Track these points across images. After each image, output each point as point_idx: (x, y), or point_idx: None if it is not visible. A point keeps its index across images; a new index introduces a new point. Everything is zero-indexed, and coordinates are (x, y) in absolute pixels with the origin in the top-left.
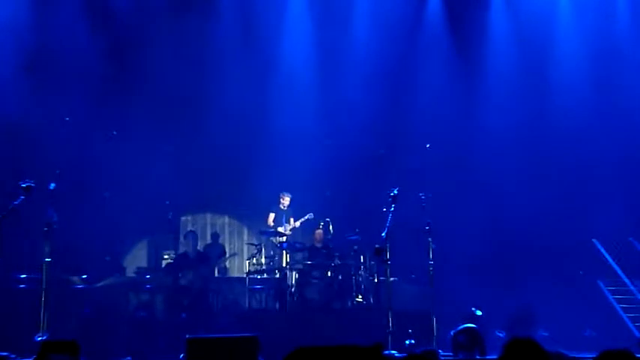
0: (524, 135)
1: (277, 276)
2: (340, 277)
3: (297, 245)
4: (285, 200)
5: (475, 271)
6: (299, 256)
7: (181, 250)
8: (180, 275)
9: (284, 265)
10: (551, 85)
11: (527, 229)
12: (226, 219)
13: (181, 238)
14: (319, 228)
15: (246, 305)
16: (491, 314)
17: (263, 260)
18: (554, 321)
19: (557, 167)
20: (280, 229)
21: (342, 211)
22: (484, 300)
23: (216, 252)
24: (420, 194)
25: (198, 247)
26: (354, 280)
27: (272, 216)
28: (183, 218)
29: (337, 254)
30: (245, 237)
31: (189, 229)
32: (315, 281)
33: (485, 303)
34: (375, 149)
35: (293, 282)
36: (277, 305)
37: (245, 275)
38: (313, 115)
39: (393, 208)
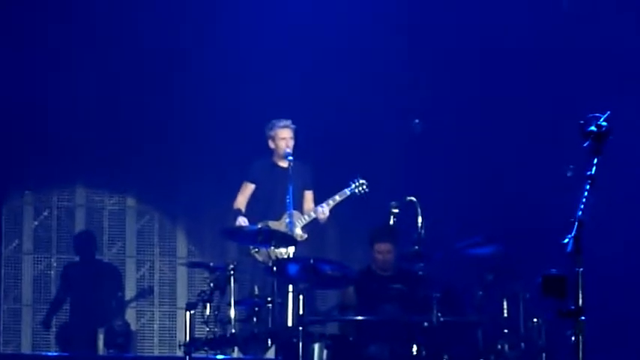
0: None
1: (269, 354)
2: (445, 359)
3: (327, 269)
4: (285, 141)
5: None
6: (332, 298)
7: None
8: None
9: (289, 322)
10: None
11: None
12: (129, 202)
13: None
14: (388, 224)
15: None
16: None
17: (231, 310)
18: None
19: None
20: (276, 225)
21: (450, 180)
22: None
23: (97, 284)
24: None
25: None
26: None
27: (248, 190)
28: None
29: (437, 295)
30: (180, 248)
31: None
32: None
33: None
34: None
35: None
36: None
37: (182, 352)
38: None
39: (592, 171)
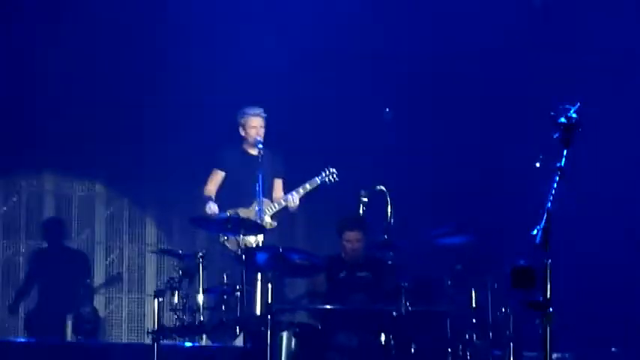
0: None
1: (237, 342)
2: (414, 349)
3: (296, 258)
4: (255, 129)
5: None
6: (300, 286)
7: None
8: None
9: (258, 310)
10: None
11: None
12: (98, 188)
13: None
14: (357, 213)
15: None
16: None
17: (200, 298)
18: None
19: None
20: (246, 213)
21: (420, 170)
22: None
23: (66, 270)
24: None
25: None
26: (450, 354)
27: (218, 178)
28: None
29: (405, 285)
30: (149, 235)
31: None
32: (345, 356)
33: None
34: None
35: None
36: None
37: (150, 339)
38: None
39: (562, 162)
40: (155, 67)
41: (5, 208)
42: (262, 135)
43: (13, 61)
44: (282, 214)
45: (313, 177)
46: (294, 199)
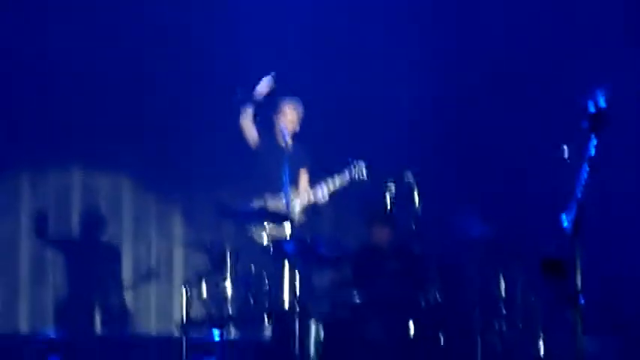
0: None
1: (267, 333)
2: (443, 340)
3: (324, 249)
4: (284, 118)
5: None
6: (329, 276)
7: None
8: None
9: (287, 303)
10: None
11: None
12: (126, 183)
13: None
14: (385, 208)
15: None
16: None
17: (228, 289)
18: None
19: None
20: (273, 203)
21: (447, 158)
22: None
23: (92, 264)
24: None
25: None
26: (479, 344)
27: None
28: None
29: (434, 274)
30: (177, 229)
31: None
32: (373, 346)
33: None
34: None
35: (312, 350)
36: None
37: (178, 331)
38: None
39: (592, 152)
40: (181, 62)
41: (35, 202)
42: (290, 128)
43: (41, 62)
44: (309, 205)
45: (342, 170)
46: (324, 194)
